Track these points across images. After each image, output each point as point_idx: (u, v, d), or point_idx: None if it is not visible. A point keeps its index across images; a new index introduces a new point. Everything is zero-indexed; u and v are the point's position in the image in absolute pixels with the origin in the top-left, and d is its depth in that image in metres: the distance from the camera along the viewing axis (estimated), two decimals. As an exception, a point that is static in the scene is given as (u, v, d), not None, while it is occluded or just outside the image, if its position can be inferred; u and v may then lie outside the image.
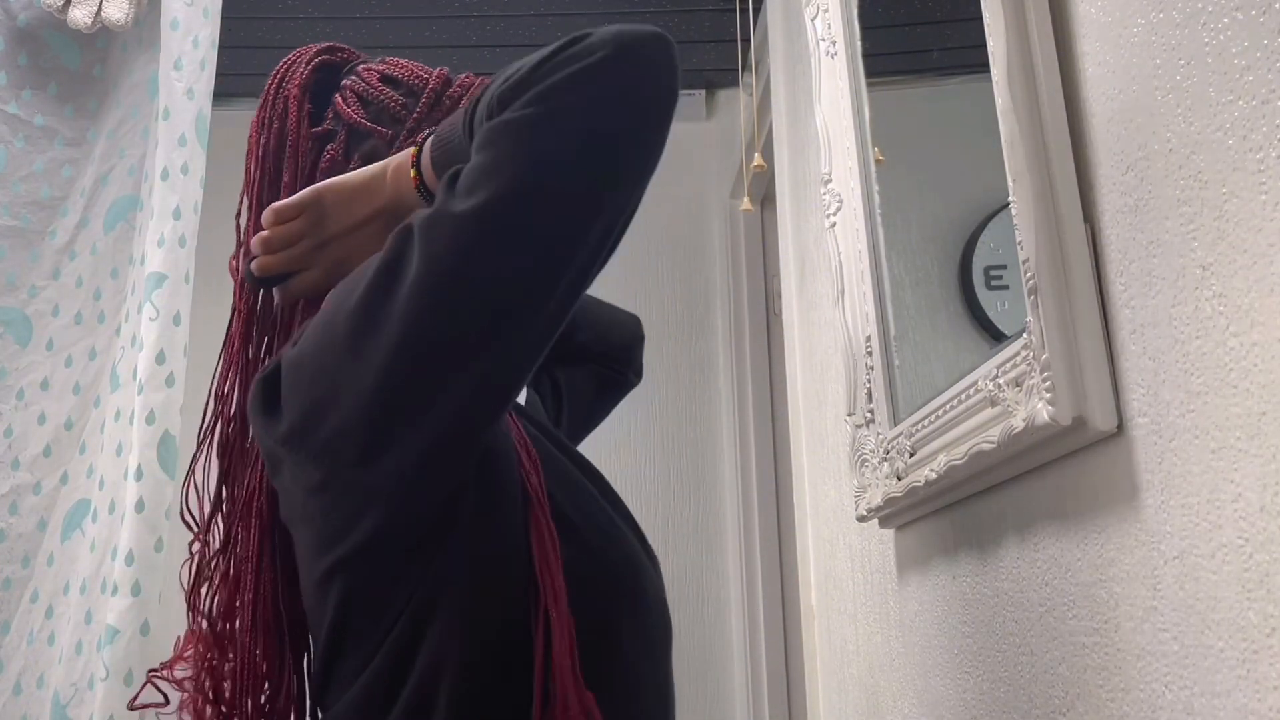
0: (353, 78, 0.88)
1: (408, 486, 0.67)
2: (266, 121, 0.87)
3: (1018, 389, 0.79)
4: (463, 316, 0.63)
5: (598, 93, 0.64)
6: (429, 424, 0.65)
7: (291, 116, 0.86)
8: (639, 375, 1.16)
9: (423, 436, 0.65)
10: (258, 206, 0.85)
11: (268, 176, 0.86)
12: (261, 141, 0.86)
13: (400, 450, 0.66)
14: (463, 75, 0.89)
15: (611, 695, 0.70)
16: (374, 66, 0.89)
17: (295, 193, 0.81)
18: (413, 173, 0.75)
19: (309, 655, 0.82)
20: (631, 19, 2.51)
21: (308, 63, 0.88)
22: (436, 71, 0.87)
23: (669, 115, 0.69)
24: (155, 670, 0.82)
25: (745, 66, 2.38)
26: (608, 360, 1.12)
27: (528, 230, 0.64)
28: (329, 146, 0.86)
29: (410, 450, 0.66)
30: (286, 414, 0.70)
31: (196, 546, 0.84)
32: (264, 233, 0.80)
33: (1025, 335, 0.77)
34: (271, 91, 0.88)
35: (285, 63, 0.89)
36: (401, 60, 0.89)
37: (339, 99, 0.87)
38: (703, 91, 2.82)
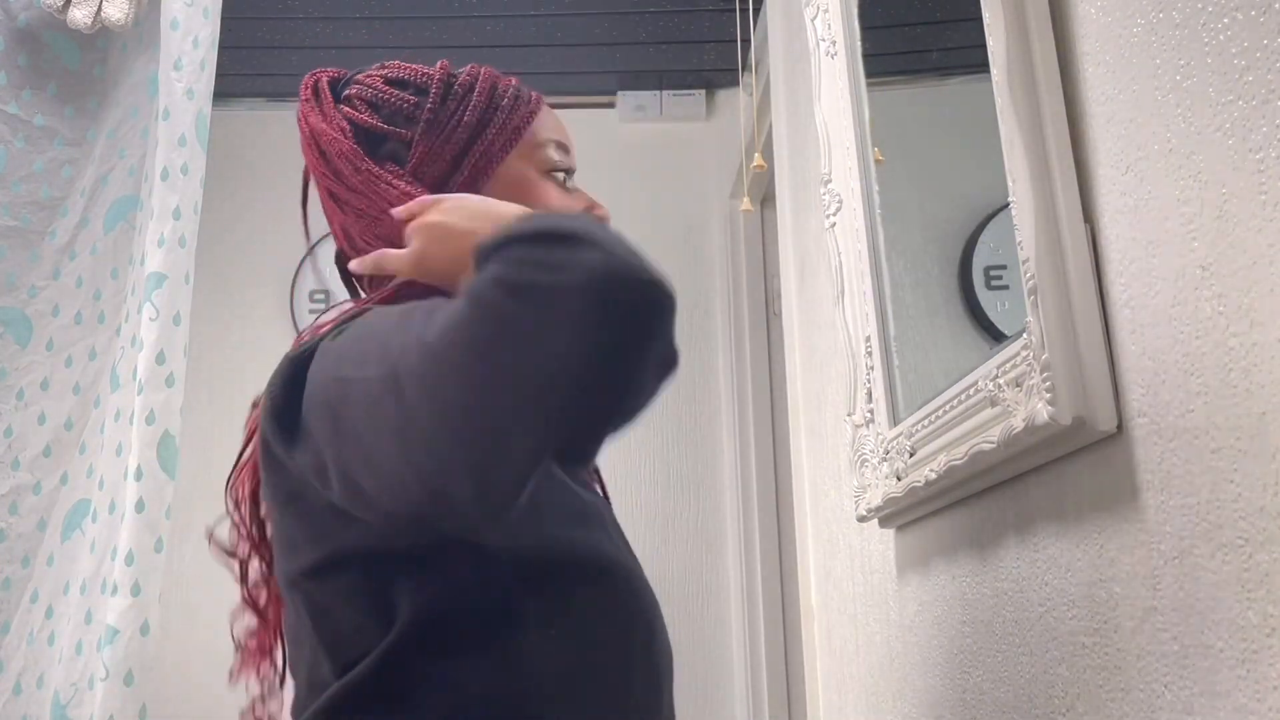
0: (355, 87, 0.88)
1: (401, 534, 0.69)
2: (320, 169, 0.85)
3: (1018, 389, 0.79)
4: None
5: (550, 329, 0.56)
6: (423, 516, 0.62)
7: (334, 148, 0.84)
8: None
9: (419, 521, 0.64)
10: (349, 229, 0.85)
11: (349, 200, 0.84)
12: (327, 181, 0.85)
13: (402, 512, 0.62)
14: (467, 66, 0.89)
15: None
16: (372, 72, 0.89)
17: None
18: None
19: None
20: (632, 20, 2.51)
21: (313, 89, 0.88)
22: (439, 65, 0.88)
23: (642, 363, 0.62)
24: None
25: (745, 66, 2.38)
26: None
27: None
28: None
29: (410, 515, 0.63)
30: (305, 430, 0.67)
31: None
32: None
33: (1025, 335, 0.77)
34: (306, 133, 0.87)
35: (302, 105, 0.88)
36: (396, 61, 0.89)
37: (349, 110, 0.86)
38: (703, 91, 2.83)
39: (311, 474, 0.67)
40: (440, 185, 0.83)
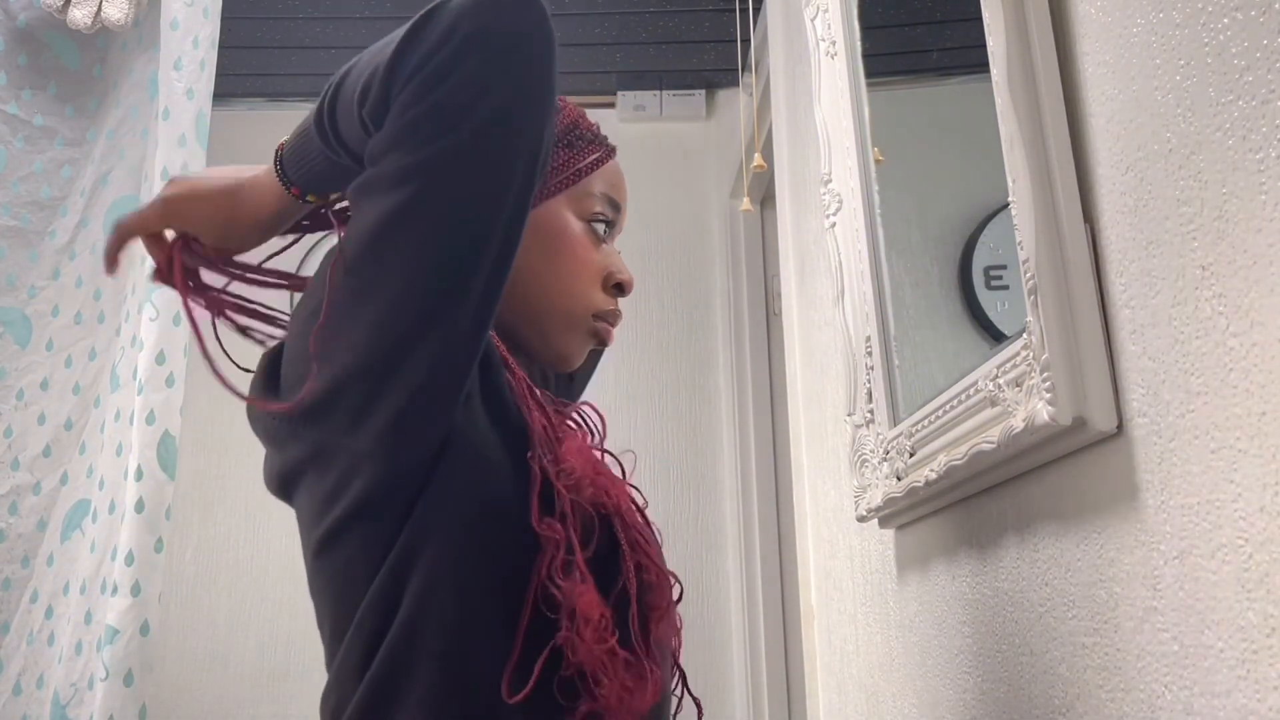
0: None
1: (390, 446, 0.69)
2: None
3: (1018, 389, 0.79)
4: (428, 279, 0.68)
5: (468, 84, 0.67)
6: (405, 382, 0.68)
7: None
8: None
9: (401, 395, 0.68)
10: None
11: None
12: None
13: (383, 411, 0.68)
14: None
15: None
16: None
17: None
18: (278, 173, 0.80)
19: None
20: (632, 20, 2.51)
21: None
22: None
23: (546, 64, 0.70)
24: None
25: (745, 66, 2.38)
26: None
27: (457, 206, 0.69)
28: None
29: (391, 409, 0.68)
30: (285, 386, 0.74)
31: None
32: None
33: (1025, 335, 0.77)
34: None
35: None
36: None
37: None
38: (703, 91, 2.83)
39: (304, 419, 0.71)
40: None
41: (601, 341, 0.87)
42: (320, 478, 0.72)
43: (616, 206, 0.88)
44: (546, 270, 0.83)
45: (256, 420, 0.79)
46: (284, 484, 0.77)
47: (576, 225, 0.85)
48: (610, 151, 0.88)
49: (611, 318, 0.87)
